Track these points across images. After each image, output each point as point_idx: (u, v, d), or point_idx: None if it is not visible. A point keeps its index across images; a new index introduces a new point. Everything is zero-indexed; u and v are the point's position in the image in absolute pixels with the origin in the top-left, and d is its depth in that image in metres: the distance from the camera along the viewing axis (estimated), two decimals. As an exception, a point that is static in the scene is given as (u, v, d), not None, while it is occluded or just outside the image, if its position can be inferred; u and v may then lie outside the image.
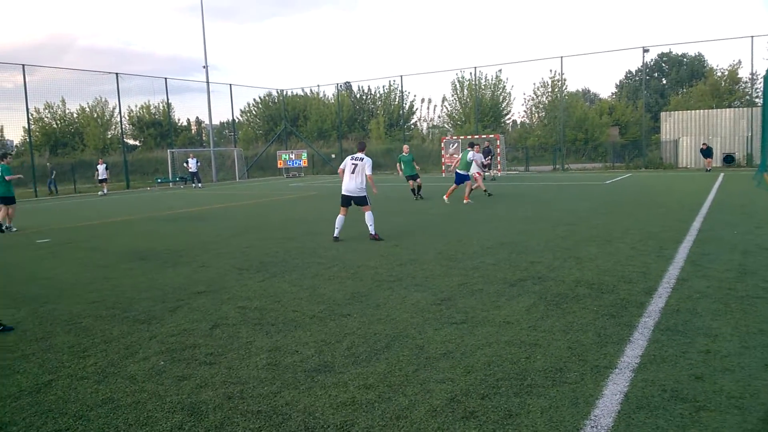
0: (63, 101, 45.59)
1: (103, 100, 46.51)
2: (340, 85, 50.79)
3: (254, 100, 55.43)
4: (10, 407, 3.74)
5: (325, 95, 53.67)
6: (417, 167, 18.62)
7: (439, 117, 49.95)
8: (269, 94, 54.77)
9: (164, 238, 11.59)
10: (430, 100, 50.44)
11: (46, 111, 45.57)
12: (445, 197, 16.47)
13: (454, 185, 16.52)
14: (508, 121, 47.96)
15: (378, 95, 53.32)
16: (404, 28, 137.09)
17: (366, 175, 10.14)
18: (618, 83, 61.49)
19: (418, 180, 18.21)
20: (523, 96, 62.78)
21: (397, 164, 18.60)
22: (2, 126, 43.10)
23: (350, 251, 9.03)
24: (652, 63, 62.25)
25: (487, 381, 3.83)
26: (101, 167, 29.77)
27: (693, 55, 59.52)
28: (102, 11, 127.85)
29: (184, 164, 34.14)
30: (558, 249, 8.47)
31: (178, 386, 3.96)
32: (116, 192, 31.47)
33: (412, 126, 51.19)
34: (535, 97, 44.44)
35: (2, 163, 13.53)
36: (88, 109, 46.70)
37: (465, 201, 16.07)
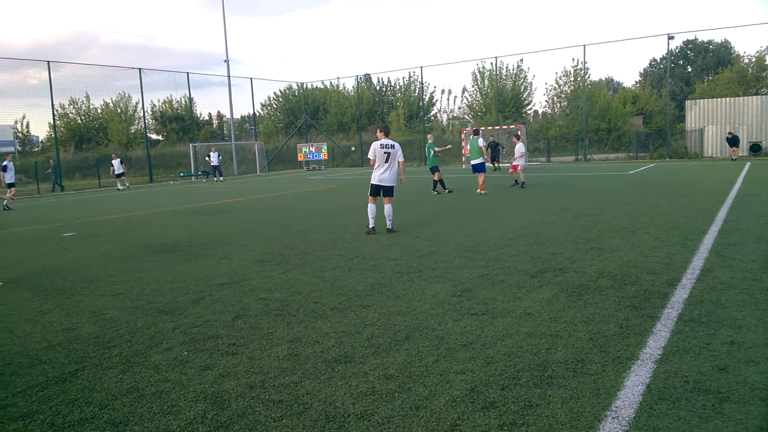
0: (87, 97, 46.38)
1: (127, 95, 47.26)
2: (360, 77, 50.81)
3: (275, 93, 55.83)
4: (38, 396, 3.83)
5: (344, 87, 53.81)
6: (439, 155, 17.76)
7: (459, 108, 49.74)
8: (289, 87, 55.06)
9: (187, 230, 11.73)
10: (450, 91, 50.29)
11: (71, 107, 46.36)
12: (479, 191, 16.23)
13: (479, 175, 16.28)
14: (529, 112, 47.59)
15: (398, 87, 53.26)
16: (424, 19, 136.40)
17: (399, 163, 9.86)
18: (642, 71, 60.66)
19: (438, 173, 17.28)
20: (545, 86, 62.46)
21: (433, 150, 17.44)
22: (28, 122, 43.87)
23: (370, 243, 9.05)
24: (677, 50, 61.21)
25: (508, 372, 3.82)
26: (116, 162, 29.59)
27: (719, 41, 58.43)
28: (125, 7, 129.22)
29: (206, 158, 34.49)
30: (580, 240, 8.39)
31: (201, 376, 4.02)
32: (139, 186, 31.90)
33: (433, 117, 51.02)
34: (557, 86, 43.99)
35: None
36: (111, 105, 47.45)
37: (479, 191, 15.99)
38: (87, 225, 13.63)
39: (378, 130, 10.02)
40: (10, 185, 20.60)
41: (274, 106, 56.68)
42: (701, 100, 33.41)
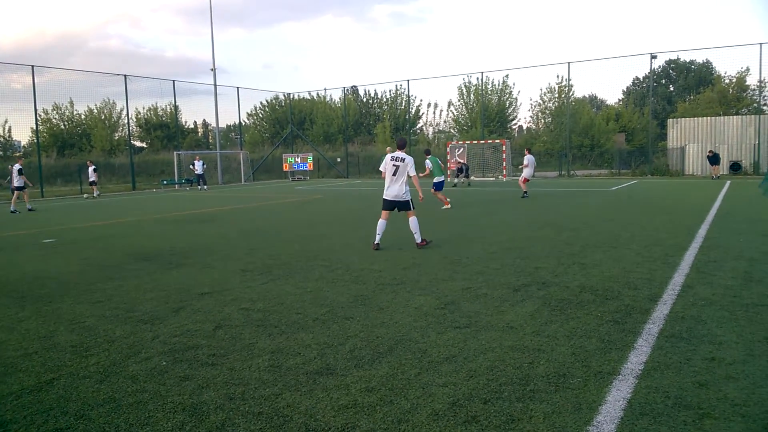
0: (71, 102, 45.83)
1: (111, 101, 46.80)
2: (347, 89, 50.89)
3: (261, 103, 55.70)
4: (12, 405, 3.74)
5: (331, 99, 53.79)
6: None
7: (445, 122, 49.98)
8: (276, 98, 54.99)
9: (169, 239, 11.62)
10: (436, 105, 50.45)
11: (54, 112, 45.82)
12: (446, 206, 16.05)
13: (439, 193, 16.28)
14: (514, 127, 48.00)
15: (384, 99, 53.44)
16: (412, 34, 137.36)
17: (411, 177, 9.32)
18: (625, 89, 61.38)
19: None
20: (529, 101, 62.97)
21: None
22: (10, 126, 43.32)
23: (354, 254, 9.02)
24: (659, 69, 62.17)
25: (490, 386, 3.81)
26: (90, 169, 28.24)
27: (701, 61, 59.42)
28: (112, 13, 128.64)
29: (191, 166, 34.24)
30: (563, 255, 8.44)
31: (180, 386, 3.96)
32: (122, 193, 31.57)
33: (418, 130, 51.21)
34: (541, 102, 44.40)
35: None
36: (96, 111, 46.93)
37: (446, 206, 15.91)
38: (68, 232, 13.45)
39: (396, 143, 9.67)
40: (20, 188, 20.52)
41: (261, 115, 56.56)
42: (683, 119, 33.90)
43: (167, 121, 50.22)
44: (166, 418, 3.49)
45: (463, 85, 44.86)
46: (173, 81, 38.76)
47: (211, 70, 38.24)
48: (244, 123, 52.06)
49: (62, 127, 46.75)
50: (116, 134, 47.40)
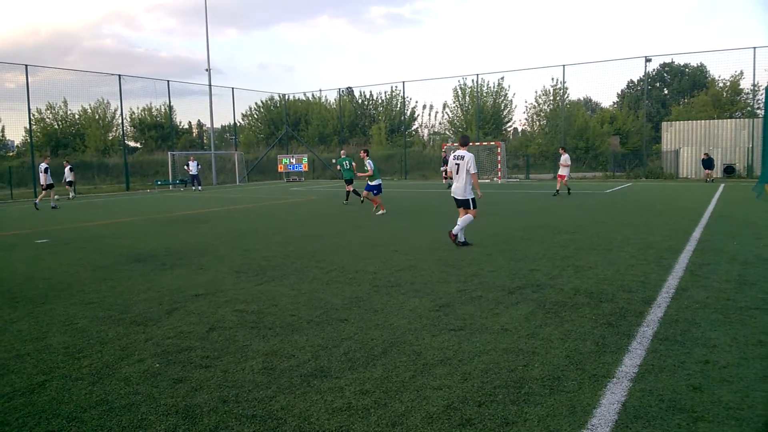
0: (65, 102, 45.64)
1: (105, 101, 46.62)
2: (342, 90, 50.89)
3: (256, 103, 55.56)
4: (3, 407, 3.71)
5: (326, 100, 53.79)
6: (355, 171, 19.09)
7: (440, 123, 50.01)
8: (271, 98, 54.88)
9: (163, 240, 11.57)
10: (431, 107, 50.49)
11: (48, 111, 45.62)
12: (381, 211, 15.41)
13: (369, 194, 15.99)
14: (509, 129, 48.04)
15: (380, 101, 53.43)
16: (407, 36, 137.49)
17: (470, 174, 9.46)
18: (619, 92, 61.50)
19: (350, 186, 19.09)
20: (524, 104, 63.01)
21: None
22: (3, 126, 43.11)
23: (349, 256, 9.01)
24: (653, 73, 62.41)
25: (484, 388, 3.80)
26: (67, 169, 27.33)
27: (695, 65, 59.61)
28: (106, 12, 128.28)
29: (185, 167, 34.16)
30: (557, 257, 8.45)
31: (173, 389, 3.93)
32: (116, 193, 31.45)
33: (414, 132, 51.25)
34: (536, 105, 44.50)
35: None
36: (89, 111, 46.76)
37: (381, 211, 15.39)
38: (61, 232, 13.38)
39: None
40: (49, 186, 21.51)
41: (255, 116, 56.45)
42: (677, 122, 34.02)
43: (162, 121, 50.11)
44: (159, 420, 3.47)
45: (458, 87, 44.93)
46: (168, 81, 38.59)
47: (206, 70, 38.18)
48: (238, 123, 51.92)
49: (56, 126, 46.54)
50: (110, 134, 47.24)
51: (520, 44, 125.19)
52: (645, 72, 36.36)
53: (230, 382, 4.04)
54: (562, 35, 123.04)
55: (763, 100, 29.10)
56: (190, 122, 60.06)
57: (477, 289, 6.55)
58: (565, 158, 20.84)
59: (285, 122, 49.57)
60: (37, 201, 21.73)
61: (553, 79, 41.52)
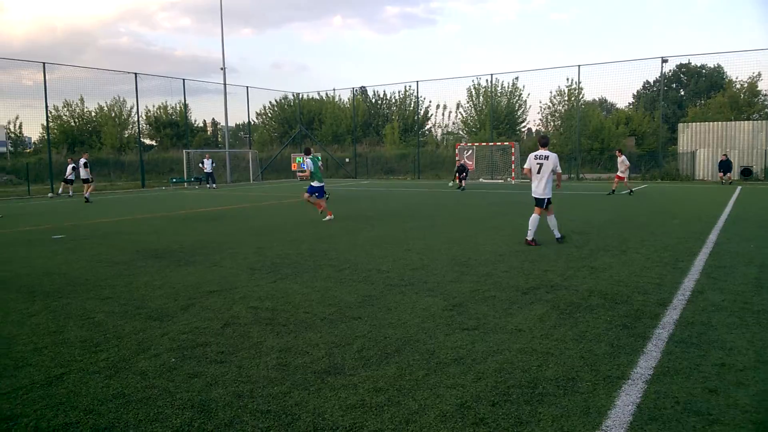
0: (82, 99, 46.17)
1: (121, 99, 47.03)
2: (356, 90, 50.90)
3: (270, 102, 55.79)
4: (22, 399, 3.77)
5: (340, 99, 53.84)
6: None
7: (453, 123, 49.91)
8: (285, 97, 55.07)
9: (178, 237, 11.66)
10: (445, 106, 50.38)
11: (65, 109, 46.12)
12: (328, 217, 13.92)
13: (311, 196, 14.36)
14: (523, 129, 47.83)
15: (393, 100, 53.42)
16: (422, 36, 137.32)
17: (556, 174, 9.76)
18: (635, 93, 61.06)
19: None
20: (539, 104, 62.69)
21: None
22: (21, 123, 43.63)
23: (362, 254, 9.03)
24: (670, 74, 61.79)
25: (498, 388, 3.80)
26: (69, 167, 25.77)
27: (712, 66, 58.96)
28: (122, 11, 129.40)
29: (200, 165, 34.35)
30: (572, 258, 8.41)
31: (189, 383, 3.97)
32: (131, 191, 31.70)
33: (427, 132, 51.19)
34: (551, 105, 44.23)
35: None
36: (106, 108, 47.21)
37: (330, 217, 13.91)
38: (77, 228, 13.52)
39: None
40: (86, 181, 23.58)
41: (269, 115, 56.67)
42: (693, 124, 33.69)
43: (177, 119, 50.45)
44: (175, 414, 3.51)
45: (472, 87, 44.81)
46: (183, 80, 38.89)
47: (221, 69, 38.36)
48: (253, 122, 52.23)
49: (72, 124, 47.04)
50: (126, 132, 47.65)
51: (535, 44, 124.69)
52: (661, 73, 36.01)
53: (245, 377, 4.07)
54: (577, 35, 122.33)
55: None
56: (204, 120, 60.43)
57: (490, 289, 6.54)
58: (622, 159, 21.76)
59: (299, 121, 49.72)
60: (86, 194, 23.12)
61: (568, 79, 41.25)
